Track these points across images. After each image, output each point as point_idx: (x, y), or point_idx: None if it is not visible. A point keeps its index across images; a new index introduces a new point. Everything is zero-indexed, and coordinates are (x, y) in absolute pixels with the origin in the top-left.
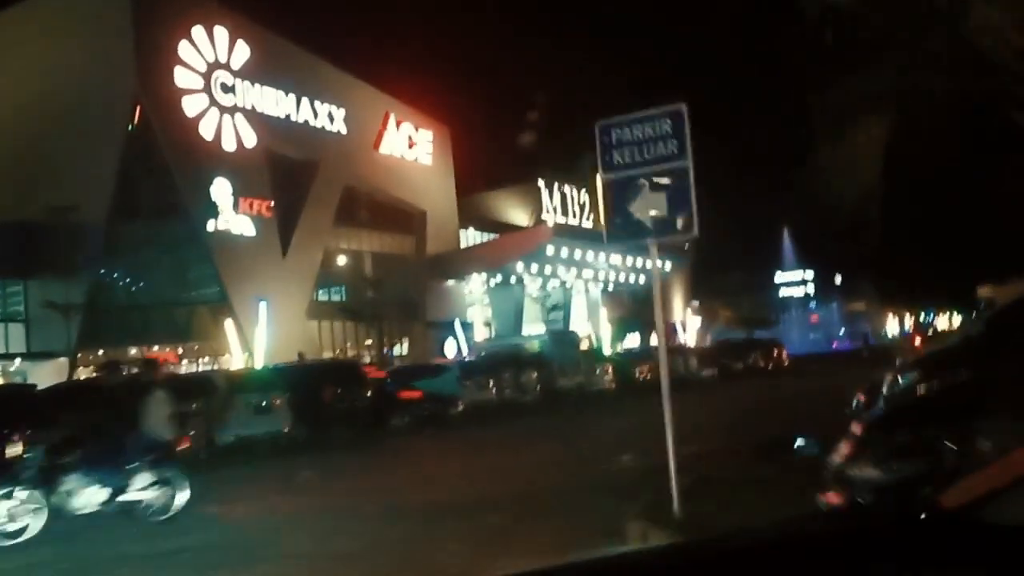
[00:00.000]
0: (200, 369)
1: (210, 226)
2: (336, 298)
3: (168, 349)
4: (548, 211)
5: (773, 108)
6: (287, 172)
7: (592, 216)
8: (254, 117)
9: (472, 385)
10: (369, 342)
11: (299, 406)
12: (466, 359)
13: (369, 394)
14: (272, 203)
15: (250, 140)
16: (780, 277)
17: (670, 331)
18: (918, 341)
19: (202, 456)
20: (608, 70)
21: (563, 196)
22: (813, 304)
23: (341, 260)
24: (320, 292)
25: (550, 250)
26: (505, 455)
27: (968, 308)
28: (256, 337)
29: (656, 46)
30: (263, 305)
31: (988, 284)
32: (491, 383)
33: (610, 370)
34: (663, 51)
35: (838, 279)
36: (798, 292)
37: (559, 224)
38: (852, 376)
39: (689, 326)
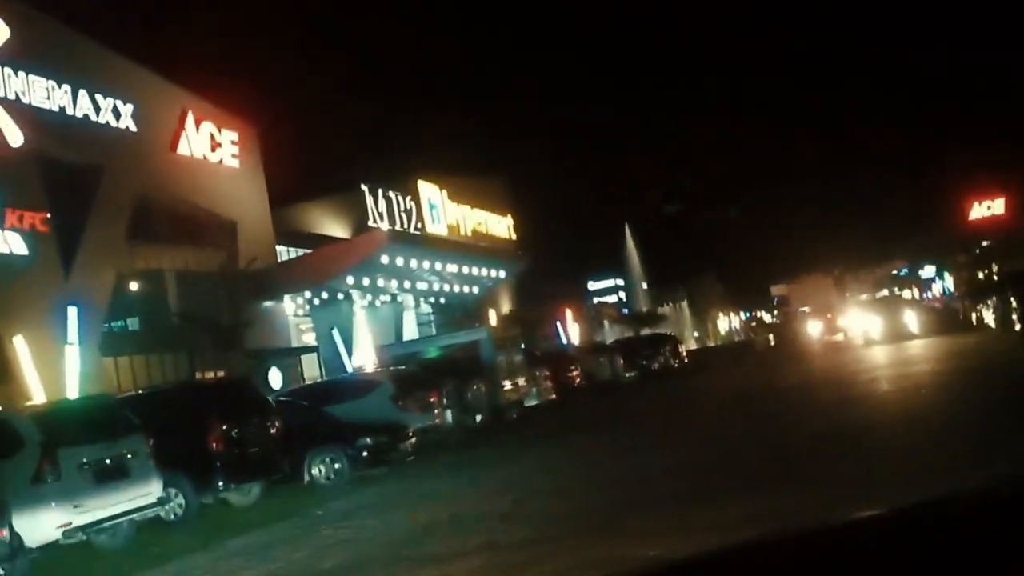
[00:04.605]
0: None
1: None
2: (134, 327)
3: None
4: (374, 219)
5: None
6: (66, 178)
7: (420, 223)
8: (19, 111)
9: (413, 406)
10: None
11: (170, 459)
12: (393, 370)
13: (275, 431)
14: (48, 215)
15: (15, 138)
16: (593, 285)
17: (553, 332)
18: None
19: None
20: (431, 71)
21: (388, 201)
22: (626, 310)
23: (139, 282)
24: (115, 321)
25: (385, 259)
26: None
27: (768, 304)
28: (67, 358)
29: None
30: (73, 311)
31: (779, 284)
32: (434, 402)
33: (548, 375)
34: (484, 51)
35: (644, 285)
36: (611, 298)
37: (392, 230)
38: (752, 367)
39: (570, 326)
